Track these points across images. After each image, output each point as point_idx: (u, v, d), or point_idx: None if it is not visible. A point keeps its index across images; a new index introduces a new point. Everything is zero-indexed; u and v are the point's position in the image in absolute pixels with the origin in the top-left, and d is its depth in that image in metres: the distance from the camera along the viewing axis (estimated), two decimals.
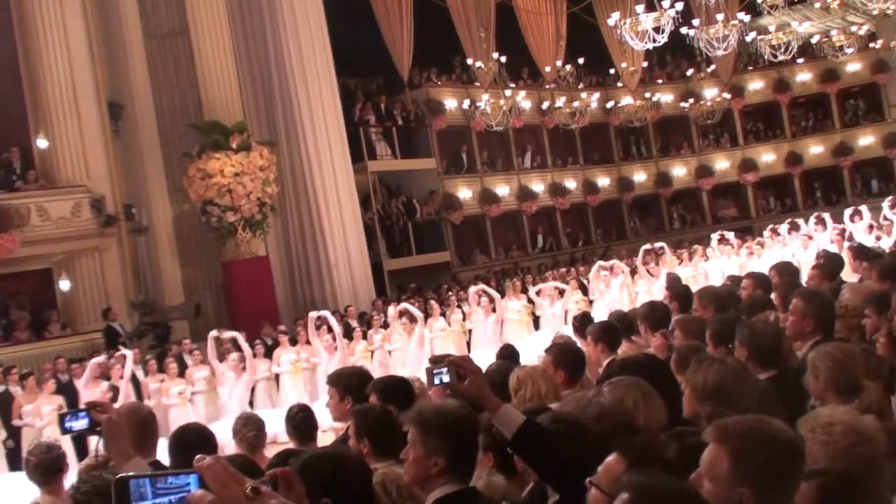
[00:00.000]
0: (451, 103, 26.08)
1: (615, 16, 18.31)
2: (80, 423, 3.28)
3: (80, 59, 17.52)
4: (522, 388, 4.56)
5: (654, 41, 17.90)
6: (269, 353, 15.02)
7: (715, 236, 20.70)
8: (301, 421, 5.07)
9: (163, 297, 18.14)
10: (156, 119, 18.80)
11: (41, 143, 17.46)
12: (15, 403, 12.48)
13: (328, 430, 8.06)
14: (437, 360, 5.55)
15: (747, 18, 20.65)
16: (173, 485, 1.50)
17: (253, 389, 14.46)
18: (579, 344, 6.04)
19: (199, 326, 18.10)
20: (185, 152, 18.35)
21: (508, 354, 6.40)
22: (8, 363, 14.01)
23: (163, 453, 4.34)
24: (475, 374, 3.36)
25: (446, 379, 3.39)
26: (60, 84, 17.20)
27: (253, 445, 5.12)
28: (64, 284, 17.37)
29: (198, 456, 1.52)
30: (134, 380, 13.55)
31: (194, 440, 4.24)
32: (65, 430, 3.33)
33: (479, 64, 24.15)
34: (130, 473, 1.51)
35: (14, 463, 11.64)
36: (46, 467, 4.55)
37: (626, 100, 28.34)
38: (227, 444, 5.75)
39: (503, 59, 24.17)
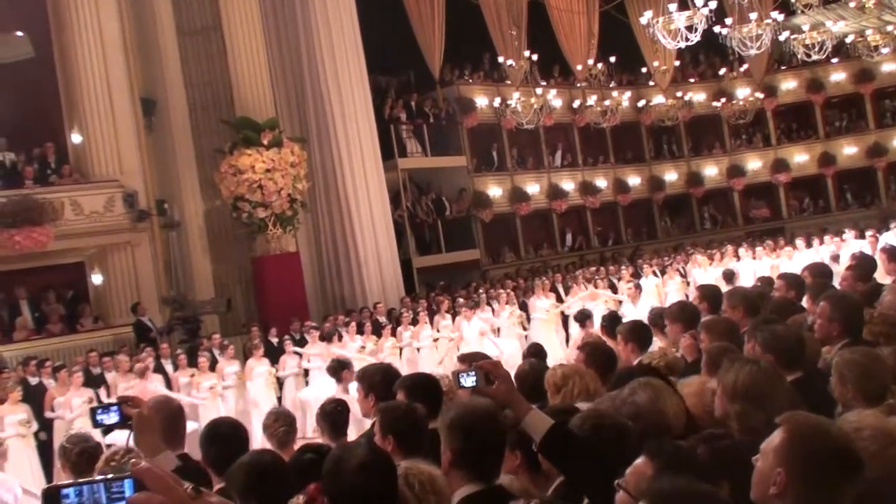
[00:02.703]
0: (482, 101, 26.06)
1: (648, 14, 18.19)
2: (112, 418, 3.31)
3: (115, 55, 17.69)
4: (569, 383, 4.52)
5: (687, 40, 17.77)
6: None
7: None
8: (337, 415, 5.09)
9: (193, 293, 18.27)
10: (188, 115, 18.93)
11: (75, 138, 17.65)
12: (47, 396, 12.64)
13: None
14: (465, 360, 5.56)
15: (781, 17, 20.45)
16: (115, 492, 1.51)
17: (281, 385, 14.56)
18: (609, 343, 6.02)
19: (230, 322, 18.24)
20: (217, 148, 18.47)
21: (536, 353, 6.39)
22: (41, 356, 14.20)
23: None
24: (503, 379, 3.36)
25: (472, 382, 3.40)
26: (95, 80, 17.37)
27: (282, 441, 5.15)
28: (96, 278, 17.56)
29: (133, 460, 1.54)
30: (164, 374, 13.70)
31: (227, 433, 4.28)
32: (96, 424, 3.37)
33: (510, 62, 24.09)
34: (62, 483, 1.53)
35: (45, 455, 11.80)
36: (91, 454, 4.60)
37: (658, 99, 28.17)
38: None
39: (534, 57, 24.09)
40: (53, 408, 12.48)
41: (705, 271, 19.02)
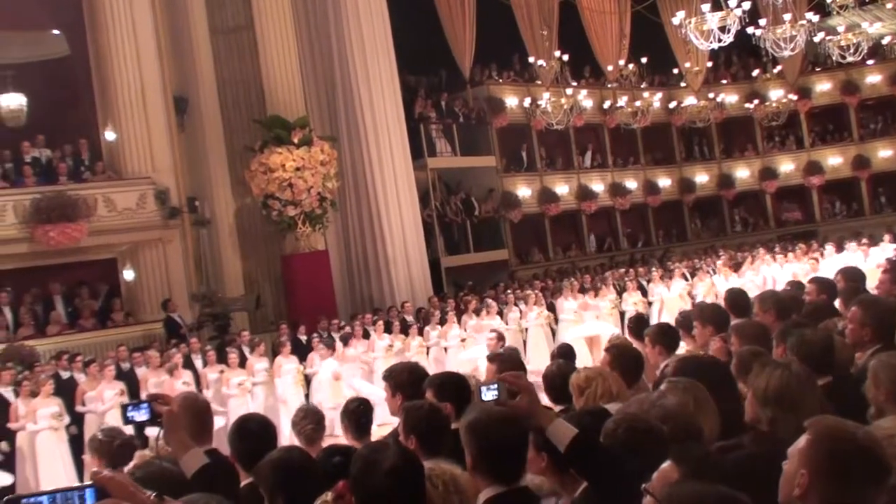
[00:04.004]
0: (511, 101, 26.02)
1: (680, 15, 18.06)
2: (142, 414, 3.35)
3: (148, 54, 17.85)
4: (592, 385, 4.51)
5: (720, 41, 17.63)
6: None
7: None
8: (361, 415, 5.10)
9: (223, 289, 18.40)
10: (220, 113, 19.07)
11: (109, 135, 17.83)
12: (78, 390, 12.78)
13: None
14: (494, 359, 5.55)
15: (816, 19, 20.24)
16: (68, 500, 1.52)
17: (309, 382, 14.62)
18: (635, 345, 5.99)
19: (258, 319, 18.35)
20: (248, 146, 18.59)
21: (565, 353, 6.35)
22: (73, 350, 14.36)
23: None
24: (527, 391, 3.36)
25: (493, 395, 3.41)
26: (129, 78, 17.55)
27: (311, 439, 5.16)
28: (128, 274, 17.73)
29: (94, 470, 1.57)
30: (193, 370, 13.80)
31: (256, 429, 4.31)
32: (127, 420, 3.41)
33: (540, 62, 24.03)
34: (23, 493, 1.55)
35: (77, 449, 11.93)
36: (131, 447, 4.65)
37: (690, 100, 28.00)
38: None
39: (565, 57, 24.02)
40: (84, 402, 12.62)
41: (727, 280, 18.66)
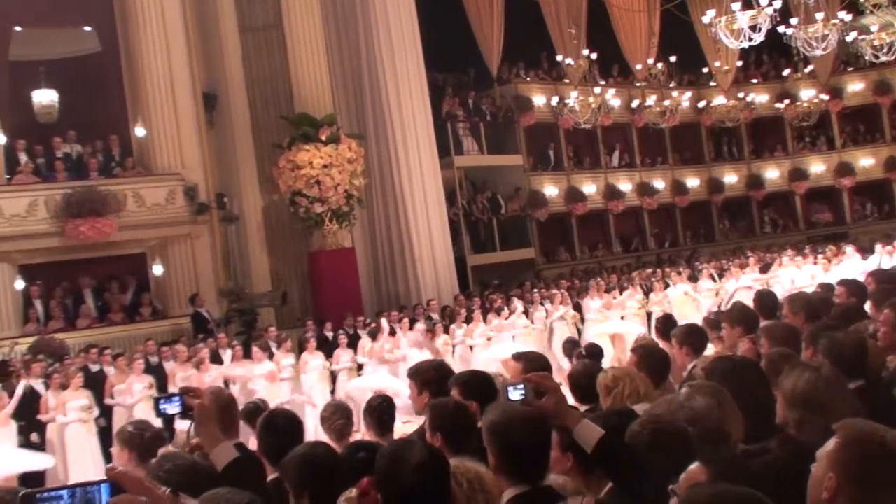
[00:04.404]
0: (539, 100, 25.97)
1: (710, 13, 17.93)
2: (174, 407, 3.38)
3: (178, 51, 17.98)
4: (619, 385, 4.50)
5: (750, 40, 17.49)
6: (352, 344, 15.22)
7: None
8: (383, 412, 5.12)
9: (251, 285, 18.51)
10: (248, 110, 19.17)
11: (139, 131, 17.98)
12: (107, 383, 12.90)
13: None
14: (520, 357, 5.55)
15: (848, 17, 20.02)
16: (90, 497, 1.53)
17: (335, 379, 14.69)
18: (662, 346, 5.96)
19: (285, 315, 18.44)
20: (276, 143, 18.68)
21: (592, 353, 6.34)
22: (102, 344, 14.50)
23: None
24: (554, 392, 3.36)
25: (520, 395, 3.40)
26: (158, 75, 17.68)
27: (341, 434, 5.19)
28: (157, 269, 17.87)
29: (109, 465, 1.57)
30: (221, 364, 13.90)
31: (283, 424, 4.33)
32: (159, 413, 3.44)
33: (568, 60, 23.96)
34: (39, 489, 1.55)
35: (106, 441, 12.04)
36: (162, 440, 4.69)
37: (719, 99, 27.79)
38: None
39: (593, 55, 23.93)
40: (113, 395, 12.74)
41: (737, 281, 18.37)
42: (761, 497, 2.28)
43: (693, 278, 19.40)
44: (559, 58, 24.41)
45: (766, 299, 7.34)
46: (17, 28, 17.51)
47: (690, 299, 18.13)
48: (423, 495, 2.86)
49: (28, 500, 1.52)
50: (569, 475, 3.52)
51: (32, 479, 10.84)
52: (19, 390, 11.69)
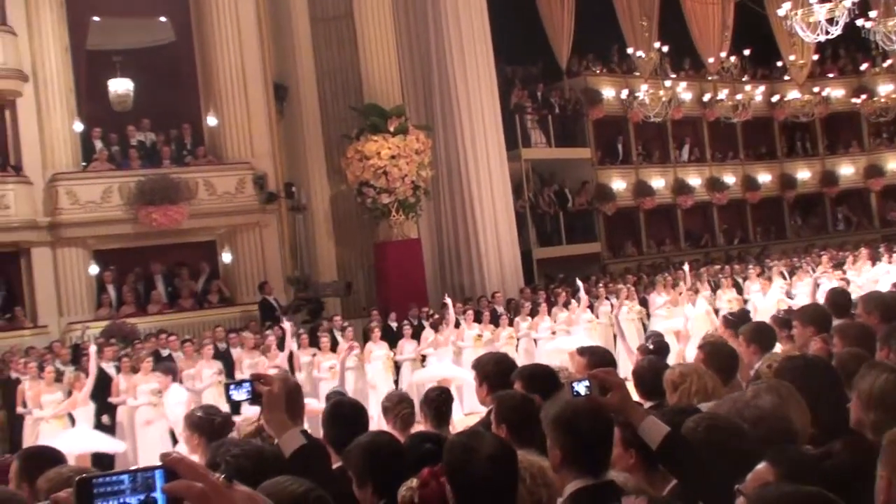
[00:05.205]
0: (608, 93, 25.72)
1: (786, 6, 17.54)
2: (243, 394, 3.42)
3: (250, 41, 18.25)
4: (686, 382, 4.44)
5: (827, 33, 17.06)
6: (416, 335, 15.25)
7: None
8: (441, 403, 5.14)
9: (317, 274, 18.71)
10: (318, 101, 19.35)
11: (211, 120, 18.29)
12: (178, 370, 13.13)
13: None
14: (584, 352, 5.51)
15: None
16: (139, 482, 1.54)
17: (398, 368, 14.76)
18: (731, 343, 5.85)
19: (351, 304, 18.60)
20: (345, 134, 18.82)
21: (658, 349, 6.27)
22: (172, 329, 14.80)
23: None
24: (618, 388, 3.33)
25: (584, 391, 3.38)
26: (230, 65, 17.97)
27: (406, 422, 5.24)
28: (226, 257, 18.17)
29: (163, 452, 1.58)
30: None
31: (348, 413, 4.38)
32: (229, 399, 3.49)
33: (639, 53, 23.68)
34: (96, 473, 1.56)
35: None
36: (231, 425, 4.77)
37: (793, 94, 27.18)
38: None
39: (665, 48, 23.61)
40: (182, 380, 12.97)
41: (764, 296, 17.28)
42: (833, 498, 2.23)
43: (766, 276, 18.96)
44: (630, 50, 24.13)
45: (838, 298, 7.17)
46: (95, 18, 17.90)
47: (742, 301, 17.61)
48: (494, 486, 2.87)
49: (84, 484, 1.54)
50: (631, 472, 3.49)
51: (105, 460, 11.13)
52: (93, 369, 11.94)
